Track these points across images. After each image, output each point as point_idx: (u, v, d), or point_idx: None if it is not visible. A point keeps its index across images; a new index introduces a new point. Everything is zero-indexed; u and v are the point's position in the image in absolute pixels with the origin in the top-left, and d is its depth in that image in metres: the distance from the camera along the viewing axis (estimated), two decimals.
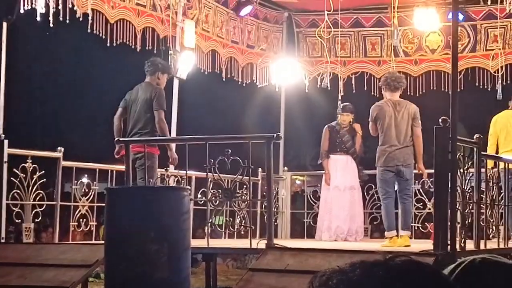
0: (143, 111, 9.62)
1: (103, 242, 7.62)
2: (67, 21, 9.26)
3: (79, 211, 9.95)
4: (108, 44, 10.18)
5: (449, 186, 7.26)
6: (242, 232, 10.19)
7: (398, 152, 9.46)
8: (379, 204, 11.77)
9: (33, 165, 9.22)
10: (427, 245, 8.30)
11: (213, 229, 9.58)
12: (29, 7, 8.89)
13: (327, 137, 11.07)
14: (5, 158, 8.74)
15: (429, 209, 10.94)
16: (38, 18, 8.99)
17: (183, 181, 9.75)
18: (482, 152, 8.23)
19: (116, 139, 9.26)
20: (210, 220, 8.90)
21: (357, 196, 11.09)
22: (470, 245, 7.89)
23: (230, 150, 8.38)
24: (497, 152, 10.64)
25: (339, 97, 11.88)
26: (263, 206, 10.57)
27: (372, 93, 12.91)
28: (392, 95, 9.67)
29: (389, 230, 9.51)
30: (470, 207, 8.03)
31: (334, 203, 10.92)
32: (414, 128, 9.53)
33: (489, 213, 8.75)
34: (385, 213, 9.59)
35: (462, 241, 7.59)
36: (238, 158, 8.36)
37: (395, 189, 9.75)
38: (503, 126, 10.90)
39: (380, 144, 9.54)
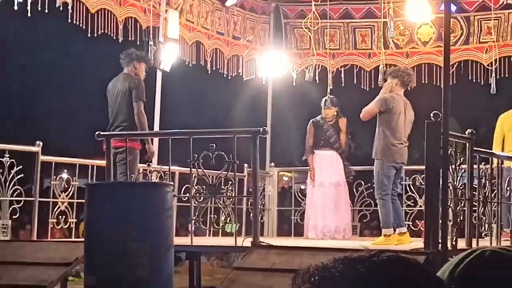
0: (124, 103, 9.58)
1: (82, 240, 7.61)
2: (46, 10, 9.23)
3: (58, 207, 9.93)
4: (89, 35, 10.16)
5: (441, 182, 7.28)
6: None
7: (403, 150, 9.52)
8: (368, 202, 11.84)
9: (11, 160, 9.20)
10: (418, 243, 8.34)
11: (197, 226, 9.56)
12: None
13: (311, 132, 11.08)
14: None
15: (420, 206, 10.97)
16: (16, 7, 8.96)
17: (166, 177, 9.73)
18: (475, 148, 8.24)
19: (96, 133, 9.22)
20: (194, 218, 8.90)
21: (344, 193, 11.08)
22: (462, 244, 7.91)
23: (215, 145, 8.38)
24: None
25: (328, 91, 11.89)
26: (249, 203, 10.55)
27: (362, 87, 12.95)
28: (401, 92, 9.67)
29: (388, 227, 9.51)
30: (462, 204, 8.04)
31: (319, 201, 10.93)
32: None
33: (482, 210, 8.77)
34: (386, 210, 9.54)
35: (454, 240, 7.61)
36: (223, 153, 8.37)
37: None
38: (510, 125, 10.90)
39: (389, 138, 9.46)
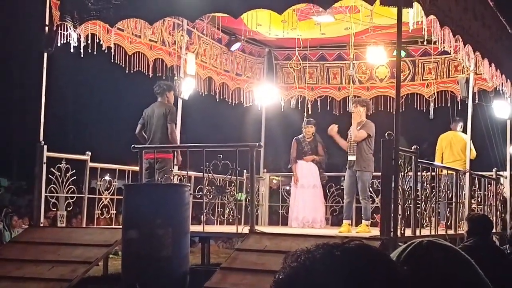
0: (160, 125, 9.61)
1: (121, 227, 7.60)
2: (95, 52, 9.25)
3: (102, 202, 9.92)
4: (127, 71, 10.17)
5: (393, 186, 7.29)
6: (230, 220, 10.17)
7: None
8: (337, 199, 11.83)
9: (66, 166, 9.20)
10: (375, 231, 8.33)
11: (207, 217, 9.55)
12: (65, 41, 8.89)
13: (295, 147, 11.05)
14: (44, 160, 8.74)
15: (377, 203, 10.94)
16: (72, 50, 8.97)
17: (184, 180, 9.73)
18: (419, 160, 8.25)
19: (132, 146, 9.21)
20: (206, 211, 8.88)
21: (319, 193, 11.05)
22: (408, 232, 7.91)
23: (222, 155, 8.38)
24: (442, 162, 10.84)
25: (305, 115, 11.90)
26: (247, 200, 10.54)
27: (333, 112, 12.96)
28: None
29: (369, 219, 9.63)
30: (409, 202, 8.05)
31: (301, 198, 10.90)
32: None
33: (423, 207, 8.77)
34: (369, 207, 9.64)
35: (402, 229, 7.61)
36: (228, 162, 8.36)
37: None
38: (447, 143, 11.12)
39: (371, 154, 9.47)
